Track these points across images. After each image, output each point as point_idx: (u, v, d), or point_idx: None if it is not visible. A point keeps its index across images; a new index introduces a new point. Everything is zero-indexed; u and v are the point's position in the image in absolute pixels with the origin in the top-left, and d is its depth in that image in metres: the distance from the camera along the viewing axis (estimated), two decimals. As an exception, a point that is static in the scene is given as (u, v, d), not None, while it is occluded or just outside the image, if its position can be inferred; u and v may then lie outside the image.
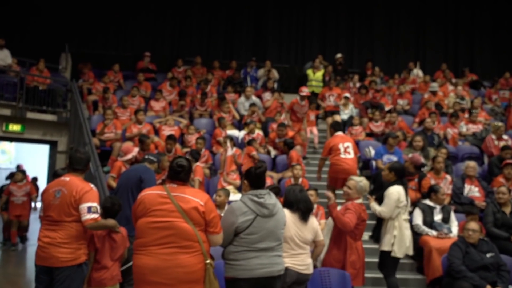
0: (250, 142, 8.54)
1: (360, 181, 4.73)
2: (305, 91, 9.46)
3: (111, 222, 4.19)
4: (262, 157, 8.42)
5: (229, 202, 6.18)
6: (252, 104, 10.15)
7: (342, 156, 7.19)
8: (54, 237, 3.85)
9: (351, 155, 7.22)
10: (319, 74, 11.55)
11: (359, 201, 4.73)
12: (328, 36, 15.63)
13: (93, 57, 13.27)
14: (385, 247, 5.07)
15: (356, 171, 7.25)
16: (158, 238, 3.24)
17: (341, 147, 7.21)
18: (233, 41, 15.17)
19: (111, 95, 10.11)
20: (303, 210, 4.03)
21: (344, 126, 9.79)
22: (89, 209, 3.85)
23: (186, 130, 9.19)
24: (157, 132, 9.06)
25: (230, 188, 7.13)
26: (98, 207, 3.94)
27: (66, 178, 4.05)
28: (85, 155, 4.12)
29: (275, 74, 12.54)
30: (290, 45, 15.51)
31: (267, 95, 11.10)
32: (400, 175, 5.21)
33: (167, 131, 8.88)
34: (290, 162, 8.02)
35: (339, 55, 13.54)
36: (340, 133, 7.46)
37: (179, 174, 3.38)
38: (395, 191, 5.08)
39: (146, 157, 5.51)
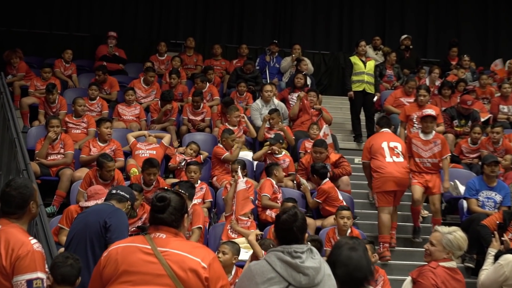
0: (270, 169, 8.42)
1: (449, 232, 4.67)
2: (428, 112, 8.57)
3: None
4: (290, 194, 8.37)
5: (241, 265, 6.10)
6: (274, 111, 10.01)
7: (388, 159, 7.66)
8: None
9: (400, 158, 7.70)
10: (372, 64, 11.38)
11: (450, 264, 4.65)
12: (389, 9, 15.61)
13: (30, 40, 13.40)
14: None
15: (408, 182, 7.74)
16: None
17: (385, 146, 7.70)
18: (242, 15, 15.27)
19: (58, 96, 10.13)
20: (342, 279, 3.67)
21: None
22: (29, 284, 3.70)
23: (172, 149, 9.23)
24: (127, 153, 9.10)
25: (240, 241, 7.06)
26: (44, 278, 3.81)
27: None
28: (20, 192, 3.94)
29: (308, 65, 12.36)
30: (330, 22, 15.49)
31: (296, 97, 10.84)
32: None
33: (144, 151, 8.93)
34: (322, 198, 8.08)
35: (404, 37, 13.56)
36: (387, 130, 8.06)
37: (163, 213, 3.38)
38: (509, 264, 5.11)
39: (114, 191, 5.49)
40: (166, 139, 9.28)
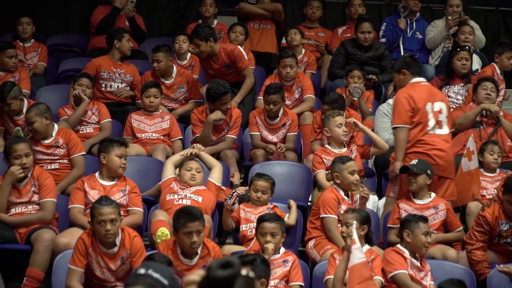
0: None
1: None
2: None
3: None
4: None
5: None
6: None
7: (433, 131, 6.75)
8: None
9: (444, 129, 6.83)
10: None
11: None
12: None
13: None
14: None
15: (454, 165, 6.82)
16: None
17: (429, 109, 6.72)
18: None
19: (22, 102, 7.83)
20: None
21: None
22: None
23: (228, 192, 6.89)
24: (150, 200, 7.01)
25: None
26: None
27: None
28: None
29: (476, 32, 9.37)
30: None
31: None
32: None
33: (182, 195, 6.75)
34: None
35: None
36: (421, 79, 6.92)
37: None
38: None
39: (142, 271, 3.30)
40: (217, 174, 6.81)
